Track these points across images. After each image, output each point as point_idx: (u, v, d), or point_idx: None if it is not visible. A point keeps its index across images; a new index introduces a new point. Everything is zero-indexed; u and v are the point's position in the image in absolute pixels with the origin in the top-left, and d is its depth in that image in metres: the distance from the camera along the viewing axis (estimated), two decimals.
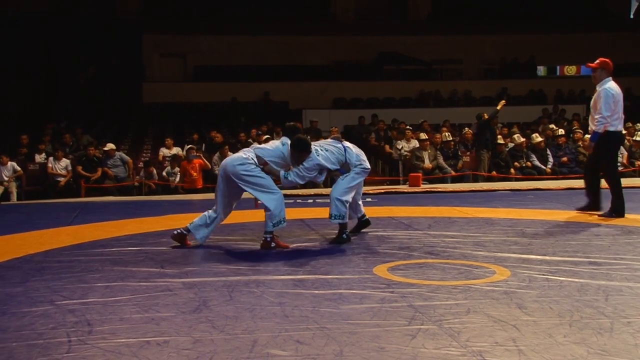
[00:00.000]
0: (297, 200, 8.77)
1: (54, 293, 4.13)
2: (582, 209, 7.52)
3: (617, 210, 7.09)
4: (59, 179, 12.39)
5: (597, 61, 7.26)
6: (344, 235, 5.86)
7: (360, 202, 6.29)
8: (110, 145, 12.95)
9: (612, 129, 7.05)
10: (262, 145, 5.94)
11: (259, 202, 5.66)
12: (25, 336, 3.28)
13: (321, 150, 5.79)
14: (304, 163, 5.64)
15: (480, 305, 3.73)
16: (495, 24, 22.43)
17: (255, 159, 5.57)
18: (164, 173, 12.64)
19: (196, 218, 5.80)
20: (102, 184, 12.29)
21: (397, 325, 3.38)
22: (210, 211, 5.80)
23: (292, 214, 7.51)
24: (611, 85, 7.08)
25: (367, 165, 6.07)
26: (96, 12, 21.14)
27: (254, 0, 21.72)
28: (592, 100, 7.24)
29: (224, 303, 3.85)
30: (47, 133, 14.99)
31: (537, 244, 5.60)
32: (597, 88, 7.17)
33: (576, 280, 4.29)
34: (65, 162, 12.63)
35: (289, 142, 5.71)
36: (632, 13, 24.21)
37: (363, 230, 6.35)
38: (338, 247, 5.64)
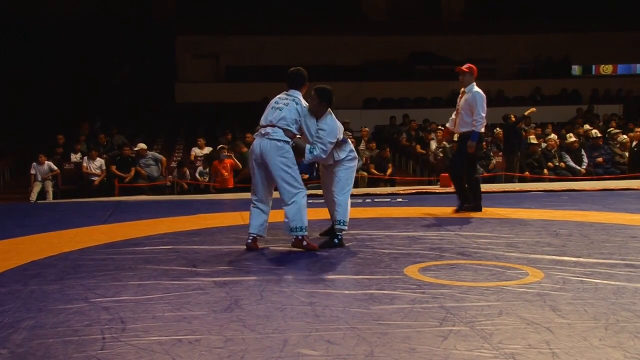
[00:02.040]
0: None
1: (88, 291, 4.20)
2: (459, 210, 7.70)
3: (476, 208, 7.62)
4: (93, 178, 12.59)
5: (467, 66, 7.69)
6: (336, 240, 5.65)
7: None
8: (141, 145, 13.11)
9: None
10: (276, 114, 5.45)
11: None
12: (61, 333, 3.34)
13: (337, 121, 5.55)
14: (323, 129, 5.39)
15: (513, 307, 3.69)
16: (530, 23, 22.15)
17: (286, 136, 5.38)
18: (197, 173, 12.75)
19: (252, 220, 5.64)
20: (136, 183, 12.45)
21: (429, 327, 3.36)
22: (254, 207, 5.66)
23: (321, 214, 7.50)
24: (479, 89, 7.56)
25: (354, 152, 5.86)
26: (131, 13, 21.42)
27: (286, 0, 21.78)
28: (462, 102, 7.62)
29: (255, 302, 3.87)
30: (83, 133, 15.25)
31: (571, 246, 5.51)
32: (466, 91, 7.62)
33: (612, 282, 4.21)
34: (99, 161, 12.83)
35: (299, 96, 5.50)
36: None
37: (393, 232, 6.28)
38: (369, 248, 5.60)
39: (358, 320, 3.48)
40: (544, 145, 13.51)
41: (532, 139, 13.23)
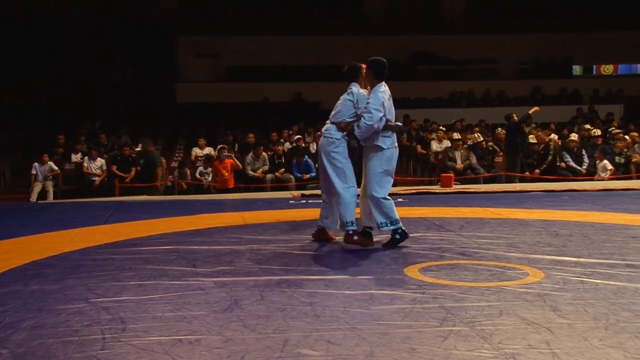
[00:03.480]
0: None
1: (88, 291, 4.20)
2: None
3: None
4: (94, 179, 12.59)
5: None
6: (397, 236, 5.62)
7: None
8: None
9: None
10: (334, 112, 5.74)
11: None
12: (61, 333, 3.35)
13: (389, 97, 5.62)
14: (369, 101, 5.45)
15: (513, 307, 3.69)
16: (531, 23, 22.14)
17: (337, 131, 5.55)
18: (197, 173, 12.76)
19: (322, 212, 5.85)
20: (136, 183, 12.45)
21: (429, 327, 3.36)
22: (324, 205, 5.83)
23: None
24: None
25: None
26: (133, 14, 21.43)
27: (287, 1, 21.79)
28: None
29: (255, 302, 3.87)
30: (83, 133, 15.25)
31: (571, 246, 5.51)
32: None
33: (612, 282, 4.21)
34: (100, 161, 12.83)
35: (353, 87, 5.67)
36: None
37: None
38: (370, 248, 5.59)
39: (358, 320, 3.48)
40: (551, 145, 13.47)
41: (532, 139, 13.21)
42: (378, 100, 5.49)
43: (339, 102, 5.79)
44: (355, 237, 5.52)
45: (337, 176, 5.55)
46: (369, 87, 5.71)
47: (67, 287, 4.31)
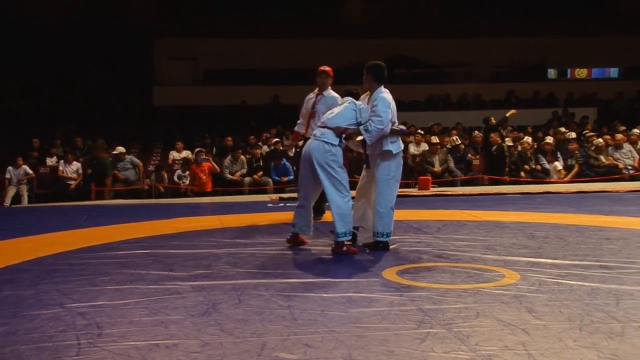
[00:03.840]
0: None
1: (63, 296, 4.15)
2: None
3: (319, 212, 7.23)
4: (69, 182, 12.46)
5: (329, 68, 7.47)
6: (381, 244, 5.60)
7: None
8: (120, 149, 13.00)
9: None
10: (328, 117, 5.62)
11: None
12: (35, 339, 3.30)
13: (392, 100, 5.57)
14: (375, 104, 5.38)
15: (490, 309, 3.72)
16: (506, 27, 22.35)
17: (335, 138, 5.42)
18: (175, 177, 12.69)
19: (295, 218, 5.74)
20: (113, 187, 12.34)
21: (406, 329, 3.37)
22: (298, 207, 5.72)
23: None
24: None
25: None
26: (108, 16, 21.24)
27: (264, 3, 21.76)
28: (323, 107, 7.14)
29: (233, 306, 3.86)
30: (58, 136, 15.08)
31: (547, 248, 5.57)
32: (324, 94, 7.35)
33: (587, 284, 4.27)
34: (76, 165, 12.70)
35: (353, 100, 5.65)
36: None
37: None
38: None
39: (336, 323, 3.49)
40: (519, 148, 13.63)
41: (508, 141, 13.34)
42: (385, 103, 5.46)
43: (335, 108, 5.72)
44: (344, 249, 5.44)
45: (334, 186, 5.38)
46: (369, 93, 5.68)
47: (42, 292, 4.26)
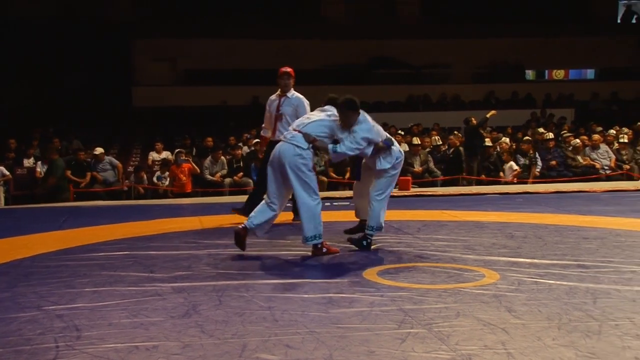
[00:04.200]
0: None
1: (41, 298, 4.10)
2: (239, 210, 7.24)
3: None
4: None
5: (290, 69, 7.32)
6: (364, 242, 5.64)
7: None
8: (99, 150, 12.89)
9: None
10: (302, 121, 5.57)
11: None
12: (12, 342, 3.26)
13: (373, 122, 5.53)
14: (356, 131, 5.32)
15: (470, 308, 3.74)
16: (484, 28, 22.54)
17: (305, 142, 5.34)
18: (154, 178, 12.60)
19: (254, 214, 5.54)
20: (91, 188, 12.23)
21: (387, 329, 3.38)
22: (264, 205, 5.57)
23: (283, 217, 7.50)
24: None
25: (402, 155, 5.80)
26: (86, 16, 21.05)
27: (244, 4, 21.70)
28: (289, 109, 7.16)
29: (214, 307, 3.84)
30: (36, 137, 14.91)
31: (526, 247, 5.62)
32: (288, 95, 7.24)
33: (565, 283, 4.31)
34: None
35: (333, 110, 5.51)
36: (619, 17, 24.39)
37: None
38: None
39: (317, 324, 3.49)
40: (498, 148, 13.74)
41: (487, 142, 13.45)
42: (365, 133, 5.36)
43: (312, 115, 5.66)
44: (324, 250, 5.42)
45: (304, 188, 5.33)
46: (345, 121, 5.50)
47: (19, 295, 4.20)
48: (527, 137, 14.07)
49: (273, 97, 7.45)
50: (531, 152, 13.10)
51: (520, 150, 13.41)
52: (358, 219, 6.07)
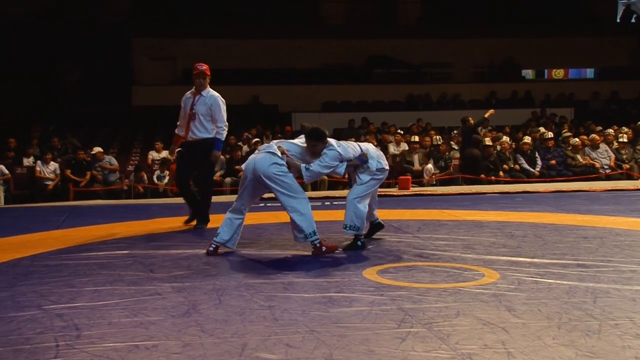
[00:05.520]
0: None
1: (41, 297, 4.10)
2: (188, 222, 7.20)
3: (204, 219, 7.08)
4: (47, 183, 12.32)
5: (206, 68, 7.12)
6: (359, 243, 5.68)
7: (374, 207, 6.10)
8: (97, 149, 12.89)
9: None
10: (282, 141, 5.72)
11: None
12: (12, 341, 3.26)
13: (337, 144, 5.64)
14: (326, 152, 5.46)
15: (470, 308, 3.74)
16: (484, 27, 22.53)
17: (279, 153, 5.40)
18: (154, 177, 12.60)
19: (221, 229, 5.54)
20: (91, 187, 12.23)
21: (387, 328, 3.38)
22: (231, 214, 5.58)
23: (282, 217, 7.50)
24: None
25: (386, 165, 5.94)
26: (84, 15, 21.03)
27: (243, 3, 21.69)
28: (203, 108, 7.00)
29: (214, 307, 3.84)
30: (35, 136, 14.90)
31: (525, 247, 5.62)
32: (203, 94, 7.05)
33: (564, 282, 4.31)
34: (53, 165, 12.56)
35: (303, 138, 5.62)
36: (618, 17, 24.39)
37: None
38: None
39: (317, 323, 3.49)
40: (498, 148, 13.74)
41: (487, 141, 13.45)
42: (334, 156, 5.47)
43: (291, 141, 5.71)
44: (324, 248, 5.43)
45: (287, 193, 5.34)
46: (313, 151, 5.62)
47: (19, 294, 4.20)
48: (525, 138, 14.01)
49: (188, 94, 7.20)
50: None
51: (520, 150, 13.40)
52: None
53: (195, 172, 7.21)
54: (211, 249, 5.52)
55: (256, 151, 5.68)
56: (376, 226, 6.22)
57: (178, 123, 7.34)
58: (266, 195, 6.02)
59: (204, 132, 7.01)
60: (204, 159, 7.04)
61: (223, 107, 7.09)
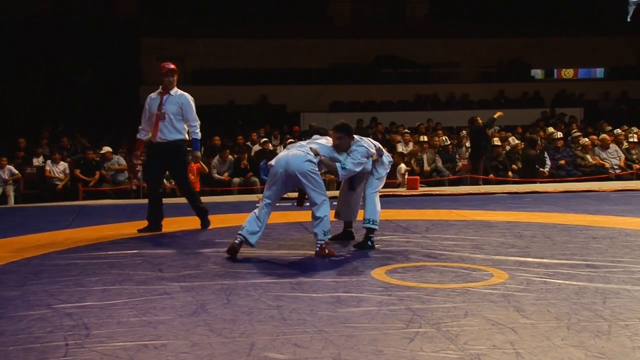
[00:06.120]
0: (295, 204, 8.75)
1: (51, 296, 4.12)
2: (144, 230, 6.90)
3: (205, 223, 7.04)
4: (56, 183, 12.37)
5: (174, 66, 6.89)
6: (369, 242, 5.68)
7: (357, 209, 6.14)
8: (106, 149, 12.93)
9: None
10: (310, 142, 5.76)
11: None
12: (22, 340, 3.27)
13: (361, 139, 5.76)
14: (356, 149, 5.59)
15: (478, 308, 3.73)
16: (493, 27, 22.46)
17: (312, 153, 5.51)
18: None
19: (247, 223, 5.50)
20: (100, 187, 12.28)
21: (395, 329, 3.38)
22: (258, 210, 5.56)
23: (290, 217, 7.51)
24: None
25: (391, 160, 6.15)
26: (93, 15, 21.12)
27: (251, 3, 21.72)
28: (173, 107, 6.73)
29: (222, 306, 3.85)
30: (45, 136, 14.97)
31: (534, 247, 5.60)
32: (172, 93, 6.79)
33: (574, 283, 4.29)
34: (63, 165, 12.61)
35: (322, 138, 5.82)
36: (629, 16, 24.26)
37: (359, 235, 6.29)
38: (336, 251, 5.61)
39: (325, 323, 3.49)
40: (507, 147, 13.70)
41: (496, 141, 13.41)
42: (363, 152, 5.60)
43: (321, 140, 5.79)
44: (327, 251, 5.44)
45: (318, 190, 5.44)
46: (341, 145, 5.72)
47: (29, 293, 4.23)
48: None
49: (153, 95, 6.91)
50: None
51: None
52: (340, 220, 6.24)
53: (173, 181, 7.05)
54: (237, 241, 5.44)
55: (286, 149, 5.78)
56: (348, 234, 6.18)
57: (140, 127, 7.05)
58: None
59: (174, 133, 6.76)
60: (176, 161, 6.89)
61: (193, 105, 6.85)
